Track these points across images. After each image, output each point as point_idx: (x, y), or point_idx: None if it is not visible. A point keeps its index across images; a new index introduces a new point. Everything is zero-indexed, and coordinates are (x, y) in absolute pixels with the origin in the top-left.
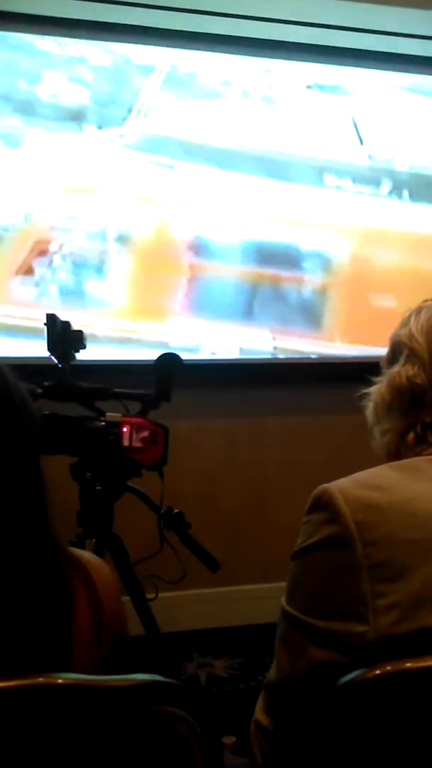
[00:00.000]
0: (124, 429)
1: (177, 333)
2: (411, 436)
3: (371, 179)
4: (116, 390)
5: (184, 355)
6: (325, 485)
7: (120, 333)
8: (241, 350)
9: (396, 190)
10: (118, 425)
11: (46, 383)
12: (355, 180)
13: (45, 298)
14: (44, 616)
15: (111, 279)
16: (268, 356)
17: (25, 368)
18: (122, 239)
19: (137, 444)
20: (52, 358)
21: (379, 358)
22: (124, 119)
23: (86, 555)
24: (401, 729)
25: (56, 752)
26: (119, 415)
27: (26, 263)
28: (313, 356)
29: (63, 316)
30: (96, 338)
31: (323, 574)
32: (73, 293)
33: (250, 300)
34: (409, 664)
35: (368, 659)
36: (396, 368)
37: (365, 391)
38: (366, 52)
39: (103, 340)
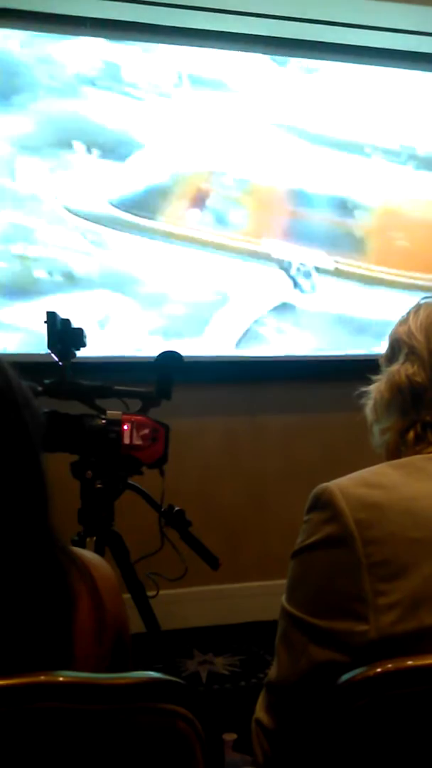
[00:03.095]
0: (125, 427)
1: (276, 251)
2: (411, 434)
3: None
4: (117, 387)
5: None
6: (325, 484)
7: (244, 246)
8: (315, 268)
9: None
10: (119, 423)
11: (46, 381)
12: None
13: (203, 223)
14: (45, 614)
15: (241, 212)
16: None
17: (26, 366)
18: (245, 185)
19: (138, 442)
20: (53, 355)
21: (379, 356)
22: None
23: (87, 554)
24: (402, 727)
25: (57, 750)
26: (120, 412)
27: (193, 198)
28: (313, 354)
29: (213, 236)
30: (228, 250)
31: (324, 573)
32: (219, 220)
33: (320, 234)
34: (410, 663)
35: (369, 658)
36: (395, 366)
37: (365, 389)
38: None
39: (233, 252)
